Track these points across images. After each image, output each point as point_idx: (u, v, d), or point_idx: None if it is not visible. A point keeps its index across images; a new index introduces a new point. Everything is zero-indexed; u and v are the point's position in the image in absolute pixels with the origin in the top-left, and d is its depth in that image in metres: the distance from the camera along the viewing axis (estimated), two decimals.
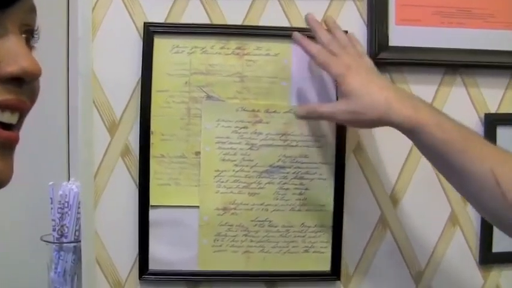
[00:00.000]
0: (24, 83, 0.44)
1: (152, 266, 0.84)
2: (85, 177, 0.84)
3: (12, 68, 0.42)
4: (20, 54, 0.43)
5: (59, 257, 1.02)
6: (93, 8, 0.83)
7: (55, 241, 1.00)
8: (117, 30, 0.84)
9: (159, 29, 0.83)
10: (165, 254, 0.84)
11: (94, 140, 0.84)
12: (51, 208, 1.09)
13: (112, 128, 0.85)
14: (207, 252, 0.84)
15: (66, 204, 0.98)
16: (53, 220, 1.05)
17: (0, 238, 1.19)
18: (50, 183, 1.09)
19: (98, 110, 0.84)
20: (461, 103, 0.88)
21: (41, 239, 1.07)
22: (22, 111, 0.46)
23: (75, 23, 0.84)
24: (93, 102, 0.84)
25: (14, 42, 0.43)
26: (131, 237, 0.84)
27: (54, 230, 1.01)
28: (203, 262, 0.85)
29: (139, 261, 0.84)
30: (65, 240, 0.98)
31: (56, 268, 1.01)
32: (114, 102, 0.84)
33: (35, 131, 1.16)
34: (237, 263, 0.85)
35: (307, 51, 0.77)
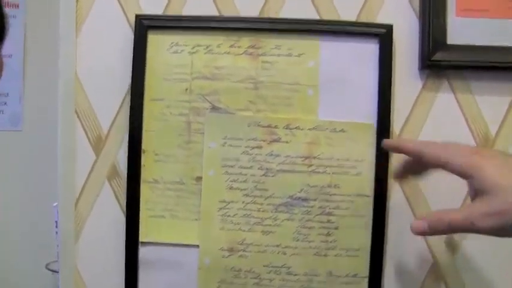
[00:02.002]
0: None
1: None
2: (65, 203, 0.70)
3: None
4: None
5: None
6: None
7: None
8: (106, 24, 0.70)
9: (154, 23, 0.68)
10: None
11: (76, 159, 0.70)
12: (56, 232, 1.01)
13: (98, 144, 0.70)
14: None
15: None
16: (58, 246, 0.97)
17: (5, 264, 1.12)
18: (54, 204, 1.00)
19: (81, 122, 0.70)
20: None
21: (46, 268, 1.00)
22: None
23: (56, 17, 0.69)
24: (76, 112, 0.70)
25: None
26: (118, 280, 0.70)
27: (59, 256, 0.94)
28: None
29: None
30: None
31: None
32: (100, 112, 0.70)
33: (41, 144, 1.07)
34: None
35: (409, 150, 0.58)
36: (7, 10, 1.12)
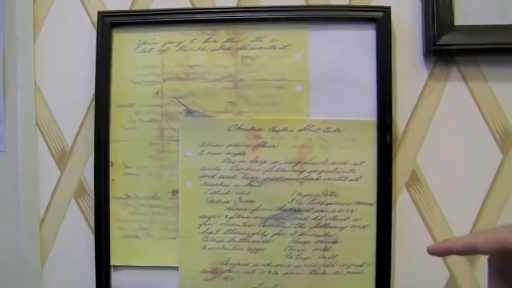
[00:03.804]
0: None
1: None
2: (28, 225, 0.64)
3: None
4: None
5: None
6: None
7: None
8: (66, 25, 0.65)
9: (119, 20, 0.62)
10: None
11: (39, 175, 0.63)
12: None
13: (62, 158, 0.64)
14: None
15: None
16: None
17: None
18: None
19: (42, 134, 0.64)
20: None
21: None
22: None
23: (12, 18, 0.62)
24: (36, 123, 0.63)
25: None
26: None
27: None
28: None
29: None
30: None
31: None
32: (63, 123, 0.65)
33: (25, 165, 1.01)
34: None
35: (460, 250, 0.50)
36: None
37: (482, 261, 0.61)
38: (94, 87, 0.61)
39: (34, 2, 0.63)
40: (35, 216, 0.63)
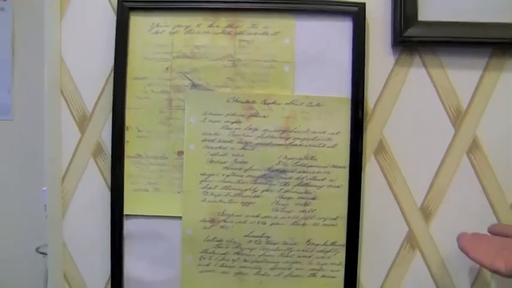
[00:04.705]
0: None
1: (127, 286, 0.72)
2: (51, 180, 0.73)
3: None
4: None
5: None
6: None
7: None
8: (89, 7, 0.73)
9: (136, 5, 0.70)
10: (142, 272, 0.71)
11: (62, 137, 0.72)
12: (46, 216, 1.03)
13: (82, 122, 0.73)
14: (192, 271, 0.70)
15: None
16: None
17: None
18: (44, 188, 1.02)
19: (66, 101, 0.73)
20: None
21: (36, 251, 1.02)
22: None
23: (41, 1, 0.72)
24: (61, 92, 0.72)
25: None
26: (104, 252, 0.72)
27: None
28: (187, 283, 0.70)
29: (112, 281, 0.71)
30: None
31: None
32: (84, 92, 0.73)
33: (31, 133, 1.09)
34: (227, 287, 0.70)
35: None
36: None
37: (437, 217, 0.72)
38: (112, 61, 0.70)
39: None
40: (57, 173, 0.73)
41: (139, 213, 0.71)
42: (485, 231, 0.66)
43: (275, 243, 0.70)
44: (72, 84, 0.72)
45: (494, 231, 0.64)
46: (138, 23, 0.70)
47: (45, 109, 0.72)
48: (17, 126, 1.15)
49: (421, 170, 0.71)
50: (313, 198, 0.70)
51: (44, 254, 1.02)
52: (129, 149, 0.70)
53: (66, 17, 0.72)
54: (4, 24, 0.99)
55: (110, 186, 0.71)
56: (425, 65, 0.71)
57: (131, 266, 0.71)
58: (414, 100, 0.71)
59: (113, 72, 0.70)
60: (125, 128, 0.70)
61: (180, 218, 0.70)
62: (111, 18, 0.71)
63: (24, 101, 1.14)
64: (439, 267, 0.71)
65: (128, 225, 0.71)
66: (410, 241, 0.71)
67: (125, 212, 0.71)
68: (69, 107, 0.72)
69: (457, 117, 0.71)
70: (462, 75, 0.71)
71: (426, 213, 0.71)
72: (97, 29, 0.72)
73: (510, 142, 0.69)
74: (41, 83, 1.14)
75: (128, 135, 0.70)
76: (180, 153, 0.70)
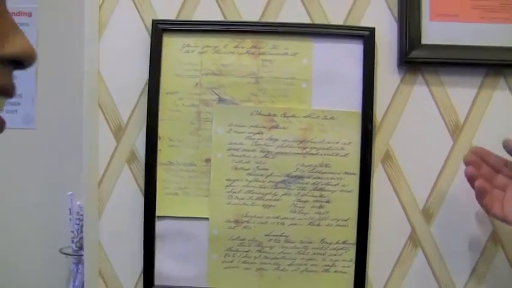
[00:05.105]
0: (22, 67, 0.38)
1: (158, 281, 0.78)
2: (89, 185, 0.80)
3: (15, 50, 0.36)
4: (18, 35, 0.37)
5: (77, 270, 1.03)
6: (100, 6, 0.79)
7: (73, 253, 1.01)
8: (125, 28, 0.80)
9: (169, 27, 0.78)
10: (171, 269, 0.78)
11: (99, 146, 0.80)
12: (70, 219, 1.09)
13: (118, 132, 0.80)
14: (217, 268, 0.78)
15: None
16: (72, 232, 1.06)
17: (19, 249, 1.19)
18: (69, 193, 1.08)
19: (103, 112, 0.80)
20: (505, 108, 0.79)
21: (60, 251, 1.07)
22: (10, 98, 0.39)
23: (81, 21, 0.79)
24: (99, 104, 0.79)
25: (10, 19, 0.37)
26: (136, 250, 0.79)
27: (72, 242, 1.03)
28: (212, 279, 0.78)
29: (144, 276, 0.78)
30: (83, 252, 0.96)
31: (74, 281, 1.02)
32: (120, 104, 0.80)
33: (54, 141, 1.16)
34: (249, 282, 0.78)
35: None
36: (21, 18, 1.22)
37: (437, 218, 0.80)
38: (145, 78, 0.77)
39: (100, 9, 0.79)
40: (94, 178, 0.79)
41: (170, 215, 0.78)
42: (481, 234, 0.75)
43: (293, 242, 0.78)
44: (109, 97, 0.79)
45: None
46: (171, 43, 0.78)
47: (84, 120, 0.79)
48: (40, 135, 1.22)
49: (423, 177, 0.79)
50: (327, 202, 0.77)
51: (67, 254, 1.08)
52: (162, 157, 0.78)
53: (103, 37, 0.79)
54: (29, 37, 1.06)
55: (142, 190, 0.78)
56: (427, 84, 0.79)
57: (162, 263, 0.78)
58: (417, 114, 0.79)
59: (146, 86, 0.78)
60: (158, 137, 0.77)
61: (207, 219, 0.78)
62: (146, 38, 0.78)
63: (47, 111, 1.20)
64: (439, 264, 0.79)
65: (160, 226, 0.78)
66: (413, 240, 0.79)
67: (157, 213, 0.78)
68: (106, 118, 0.79)
69: (455, 130, 0.79)
70: (460, 92, 0.79)
71: (427, 215, 0.79)
72: (132, 48, 0.79)
73: (503, 152, 0.77)
74: (63, 94, 1.21)
75: (161, 144, 0.78)
76: (208, 160, 0.78)
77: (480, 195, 0.67)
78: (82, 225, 1.00)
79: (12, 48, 0.36)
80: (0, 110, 0.38)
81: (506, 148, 0.68)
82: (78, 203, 1.01)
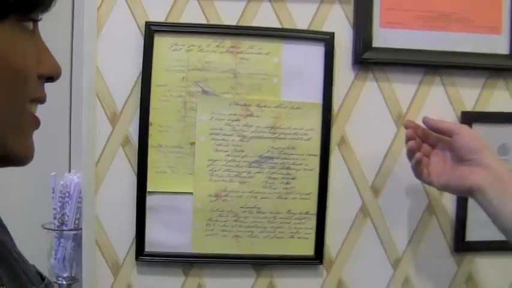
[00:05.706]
0: (52, 81, 0.49)
1: (148, 248, 0.90)
2: (87, 165, 0.90)
3: (49, 69, 0.47)
4: (50, 56, 0.48)
5: (59, 244, 1.07)
6: (98, 8, 0.89)
7: (56, 229, 1.06)
8: (120, 28, 0.90)
9: (160, 28, 0.89)
10: (160, 237, 0.90)
11: (96, 131, 0.90)
12: (53, 198, 1.15)
13: (113, 119, 0.90)
14: (200, 235, 0.90)
15: (67, 194, 1.04)
16: (54, 209, 1.09)
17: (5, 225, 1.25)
18: (52, 173, 1.15)
19: (100, 102, 0.90)
20: (439, 101, 0.93)
21: (42, 227, 1.11)
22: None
23: (81, 21, 0.89)
24: (97, 95, 0.90)
25: (43, 44, 0.47)
26: (129, 222, 0.90)
27: (55, 218, 1.07)
28: (196, 245, 0.91)
29: (137, 243, 0.90)
30: (65, 228, 1.04)
31: (56, 254, 1.07)
32: (116, 95, 0.90)
33: (40, 126, 1.23)
34: (227, 247, 0.91)
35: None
36: None
37: (383, 193, 0.95)
38: (138, 72, 0.87)
39: (98, 10, 0.88)
40: (92, 158, 0.90)
41: (159, 190, 0.89)
42: (420, 207, 0.91)
43: (264, 213, 0.91)
44: (106, 88, 0.90)
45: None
46: (161, 42, 0.89)
47: (84, 108, 0.90)
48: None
49: (372, 158, 0.93)
50: (293, 178, 0.91)
51: (49, 229, 1.10)
52: (152, 140, 0.89)
53: (101, 35, 0.89)
54: None
55: (135, 169, 0.90)
56: (376, 80, 0.92)
57: (152, 232, 0.90)
58: (368, 106, 0.92)
59: (139, 79, 0.89)
60: (149, 123, 0.89)
61: (191, 194, 0.89)
62: (139, 38, 0.89)
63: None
64: (384, 231, 0.95)
65: (150, 200, 0.89)
66: (363, 211, 0.95)
67: (148, 189, 0.89)
68: (103, 106, 0.90)
69: (398, 119, 0.93)
70: (403, 88, 0.92)
71: (375, 190, 0.94)
72: (127, 46, 0.89)
73: None
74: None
75: (152, 130, 0.89)
76: (193, 143, 0.90)
77: (414, 163, 0.81)
78: (64, 203, 1.05)
79: (46, 68, 0.46)
80: (34, 112, 0.49)
81: (425, 124, 0.83)
82: (62, 182, 1.05)
